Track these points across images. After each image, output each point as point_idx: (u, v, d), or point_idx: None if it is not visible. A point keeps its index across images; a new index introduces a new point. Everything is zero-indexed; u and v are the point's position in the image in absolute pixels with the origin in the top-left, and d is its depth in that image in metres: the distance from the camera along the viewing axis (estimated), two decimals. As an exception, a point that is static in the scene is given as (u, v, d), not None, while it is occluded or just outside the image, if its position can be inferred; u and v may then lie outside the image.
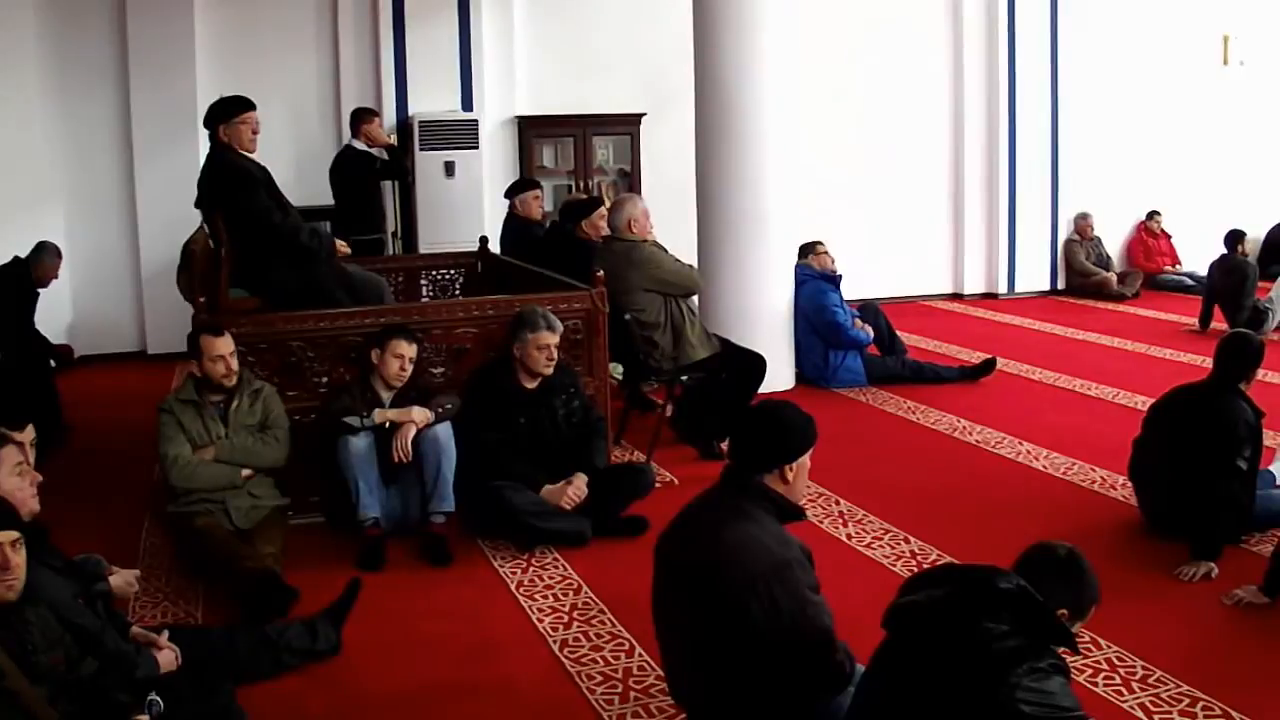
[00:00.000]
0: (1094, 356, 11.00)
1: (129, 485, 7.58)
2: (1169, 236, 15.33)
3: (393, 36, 12.14)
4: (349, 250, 7.90)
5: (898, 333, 10.61)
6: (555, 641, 5.21)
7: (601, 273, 7.43)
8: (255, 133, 7.13)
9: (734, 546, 3.75)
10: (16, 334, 8.90)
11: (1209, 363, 6.29)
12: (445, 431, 6.42)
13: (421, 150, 11.88)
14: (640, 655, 5.01)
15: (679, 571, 3.94)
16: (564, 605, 5.61)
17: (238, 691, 4.34)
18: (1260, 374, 6.21)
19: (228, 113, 7.04)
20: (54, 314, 10.44)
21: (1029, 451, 7.91)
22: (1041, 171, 14.44)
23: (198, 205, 7.34)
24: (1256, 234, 14.64)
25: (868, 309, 10.37)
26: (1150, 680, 4.68)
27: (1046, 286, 14.74)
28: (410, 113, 12.15)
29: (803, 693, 3.77)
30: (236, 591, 5.53)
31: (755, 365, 8.15)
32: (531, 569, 6.08)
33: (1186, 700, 4.51)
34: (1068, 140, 14.48)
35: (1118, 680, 4.69)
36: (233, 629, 5.03)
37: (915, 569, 5.82)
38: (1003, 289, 14.56)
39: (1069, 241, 14.78)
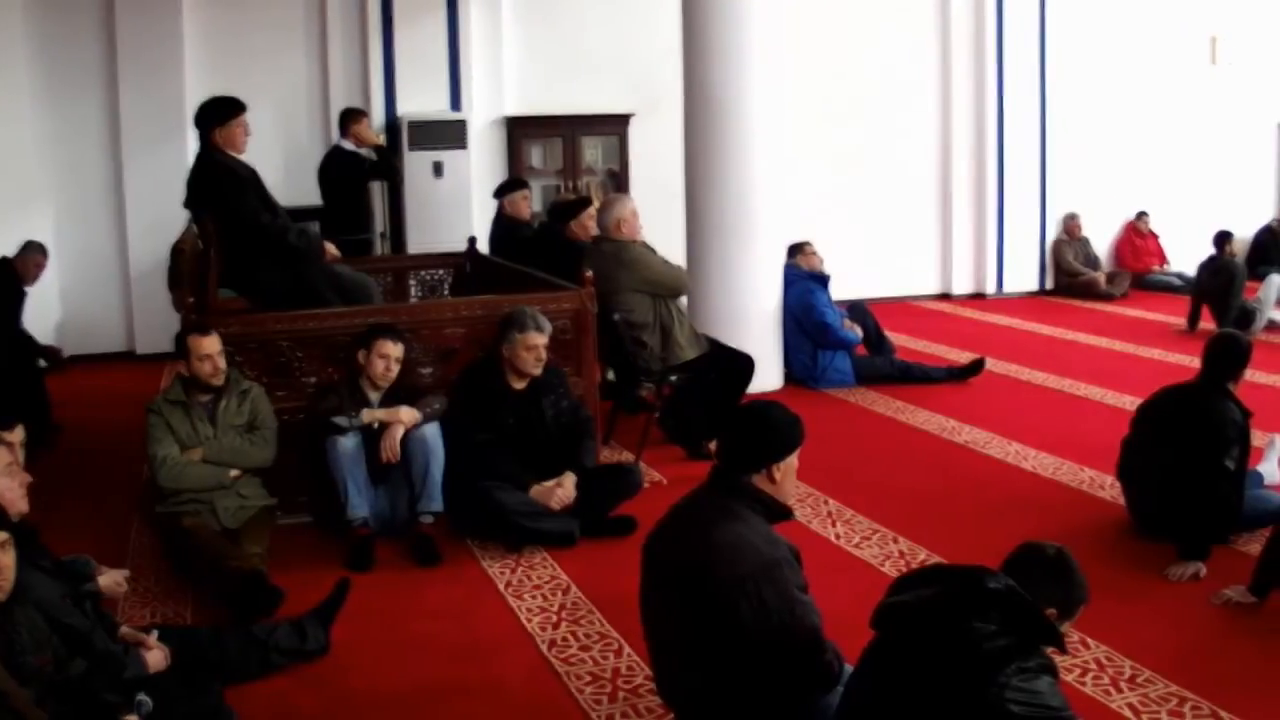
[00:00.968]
0: (1082, 356, 11.02)
1: (118, 485, 7.57)
2: (1157, 236, 15.36)
3: (381, 37, 12.14)
4: (339, 254, 7.90)
5: (886, 333, 10.62)
6: (544, 641, 5.21)
7: (590, 273, 7.43)
8: (247, 134, 7.13)
9: (722, 546, 3.75)
10: (4, 334, 8.87)
11: (1197, 363, 6.29)
12: (433, 432, 6.42)
13: (410, 150, 11.88)
14: (629, 655, 5.01)
15: (667, 571, 3.94)
16: (553, 605, 5.61)
17: (226, 691, 4.35)
18: (1248, 374, 6.22)
19: (222, 115, 7.03)
20: (42, 314, 10.41)
21: (1017, 451, 7.92)
22: (1030, 171, 14.45)
23: (187, 206, 7.34)
24: (1244, 234, 14.68)
25: (856, 309, 10.38)
26: (1139, 680, 4.69)
27: (1035, 286, 14.75)
28: (399, 113, 12.15)
29: (791, 692, 3.77)
30: (222, 592, 5.53)
31: (743, 365, 8.15)
32: (520, 569, 6.08)
33: (1175, 700, 4.53)
34: (1056, 140, 14.50)
35: (1106, 680, 4.70)
36: (221, 629, 5.03)
37: (904, 569, 5.83)
38: (991, 289, 14.57)
39: (1057, 241, 14.81)
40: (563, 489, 6.40)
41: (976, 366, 10.10)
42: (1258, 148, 15.86)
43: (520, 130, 12.82)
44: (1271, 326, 11.75)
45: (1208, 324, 11.53)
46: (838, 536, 6.46)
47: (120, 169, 11.55)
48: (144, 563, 6.22)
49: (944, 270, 14.74)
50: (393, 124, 12.10)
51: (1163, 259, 15.31)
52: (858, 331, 10.05)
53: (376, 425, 6.37)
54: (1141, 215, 15.26)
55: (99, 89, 11.51)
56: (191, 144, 7.52)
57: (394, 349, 6.51)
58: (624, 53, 12.93)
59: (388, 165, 10.86)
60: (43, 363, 9.14)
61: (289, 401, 6.69)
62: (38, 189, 11.31)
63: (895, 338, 11.05)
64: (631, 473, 6.87)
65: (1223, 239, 12.11)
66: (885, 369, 10.05)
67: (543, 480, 6.44)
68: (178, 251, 7.82)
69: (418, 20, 12.18)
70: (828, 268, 10.29)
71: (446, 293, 9.21)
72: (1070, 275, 14.64)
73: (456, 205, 11.86)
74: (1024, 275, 14.70)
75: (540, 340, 6.53)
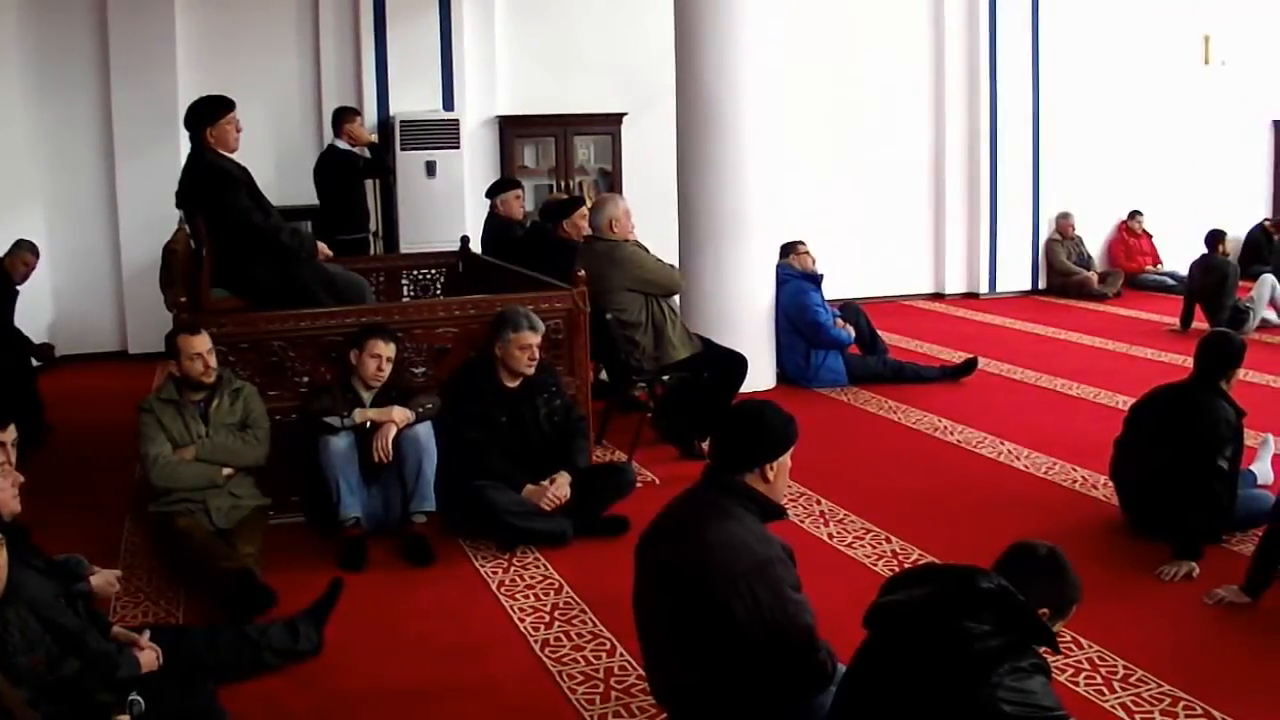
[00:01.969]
0: (1075, 356, 11.02)
1: (110, 485, 7.55)
2: (1150, 236, 15.38)
3: (374, 36, 12.11)
4: (331, 254, 7.89)
5: (879, 332, 10.62)
6: (536, 641, 5.21)
7: (583, 272, 7.43)
8: (239, 131, 7.12)
9: (716, 545, 3.75)
10: (-2, 333, 8.86)
11: (1190, 362, 6.31)
12: (426, 431, 6.42)
13: (403, 150, 11.86)
14: (621, 654, 5.01)
15: (660, 571, 3.94)
16: (545, 605, 5.60)
17: (219, 691, 4.34)
18: (1241, 373, 6.22)
19: (212, 114, 7.02)
20: (35, 313, 10.37)
21: (1010, 451, 7.93)
22: (1023, 171, 14.45)
23: (179, 205, 7.32)
24: (1237, 234, 14.69)
25: (849, 308, 10.39)
26: (1132, 680, 4.70)
27: (1028, 286, 14.77)
28: (391, 112, 12.13)
29: (785, 692, 3.77)
30: (215, 591, 5.52)
31: (736, 365, 8.15)
32: (513, 568, 6.07)
33: (1168, 700, 4.53)
34: (1049, 140, 14.50)
35: (1099, 680, 4.70)
36: (214, 629, 5.01)
37: (896, 568, 5.83)
38: (984, 288, 14.58)
39: (1050, 241, 14.81)
40: (555, 489, 6.39)
41: (969, 366, 10.10)
42: (1250, 147, 15.88)
43: (513, 130, 12.80)
44: (1264, 326, 11.78)
45: (1201, 323, 11.53)
46: (830, 536, 6.46)
47: (113, 168, 11.54)
48: (136, 562, 6.22)
49: (937, 270, 14.75)
50: (385, 123, 12.09)
51: (1155, 258, 15.34)
52: (850, 331, 10.04)
53: (369, 425, 6.36)
54: (1134, 215, 15.28)
55: (92, 88, 11.50)
56: (184, 143, 7.49)
57: (386, 348, 6.49)
58: (616, 52, 12.92)
59: (380, 163, 10.88)
60: (35, 362, 9.11)
61: (282, 401, 6.68)
62: (30, 188, 11.28)
63: (888, 337, 11.06)
64: (624, 472, 6.87)
65: (1215, 238, 12.11)
66: (878, 368, 10.05)
67: (535, 479, 6.44)
68: (170, 251, 7.80)
69: (410, 20, 12.17)
70: (820, 267, 10.29)
71: (439, 292, 9.20)
72: (1063, 275, 14.64)
73: (449, 205, 11.85)
74: (1017, 275, 14.72)
75: (533, 339, 6.54)
